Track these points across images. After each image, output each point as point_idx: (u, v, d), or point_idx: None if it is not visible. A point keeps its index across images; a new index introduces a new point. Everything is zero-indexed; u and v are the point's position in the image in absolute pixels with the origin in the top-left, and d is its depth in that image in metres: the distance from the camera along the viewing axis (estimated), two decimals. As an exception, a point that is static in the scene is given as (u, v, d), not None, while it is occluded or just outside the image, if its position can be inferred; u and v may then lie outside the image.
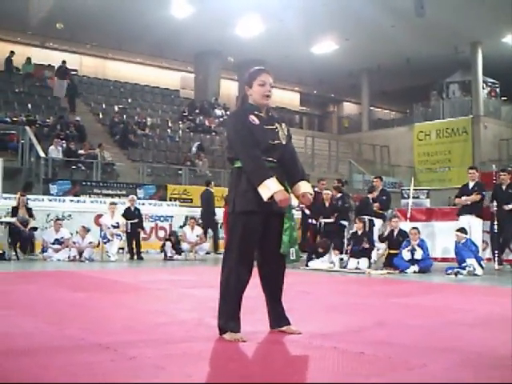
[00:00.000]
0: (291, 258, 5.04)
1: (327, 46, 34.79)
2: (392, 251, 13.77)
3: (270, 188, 4.62)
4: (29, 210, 16.40)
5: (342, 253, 14.59)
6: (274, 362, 4.17)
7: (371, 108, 43.18)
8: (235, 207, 4.87)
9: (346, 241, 15.18)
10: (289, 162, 5.12)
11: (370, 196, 16.05)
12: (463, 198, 13.90)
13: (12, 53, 30.52)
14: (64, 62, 30.52)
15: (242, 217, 4.84)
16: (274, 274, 5.14)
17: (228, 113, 34.74)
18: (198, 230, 17.79)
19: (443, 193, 23.42)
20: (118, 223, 16.67)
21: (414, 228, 13.63)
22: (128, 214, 17.11)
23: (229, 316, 4.86)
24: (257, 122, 4.90)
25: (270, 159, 4.85)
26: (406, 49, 33.35)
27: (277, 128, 5.02)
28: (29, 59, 30.59)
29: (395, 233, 14.10)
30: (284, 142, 5.01)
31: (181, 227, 18.51)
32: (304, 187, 5.14)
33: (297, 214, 18.36)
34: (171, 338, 5.00)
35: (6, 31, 32.99)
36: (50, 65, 32.21)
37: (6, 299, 7.51)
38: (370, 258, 14.02)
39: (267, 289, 5.18)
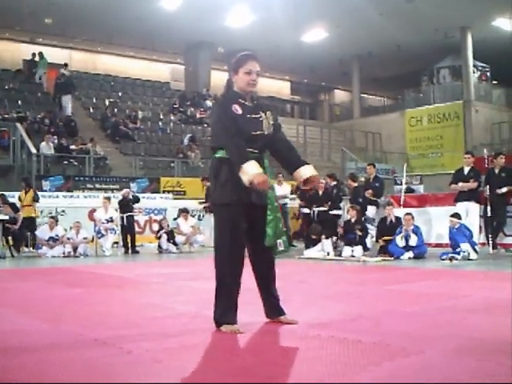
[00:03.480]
0: (280, 249, 4.99)
1: (317, 34, 34.68)
2: (386, 238, 13.77)
3: (248, 172, 4.60)
4: (12, 206, 16.31)
5: (335, 240, 14.59)
6: (270, 352, 4.18)
7: (362, 95, 43.13)
8: (215, 200, 4.95)
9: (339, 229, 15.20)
10: (284, 150, 5.21)
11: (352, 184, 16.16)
12: (460, 184, 13.81)
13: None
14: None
15: (223, 209, 4.85)
16: (265, 266, 5.08)
17: (218, 103, 34.72)
18: (192, 221, 17.78)
19: (436, 178, 23.44)
20: (111, 218, 16.66)
21: (407, 214, 13.63)
22: (123, 206, 17.04)
23: (224, 309, 4.85)
24: (240, 111, 4.87)
25: (251, 149, 4.82)
26: (396, 35, 33.26)
27: (261, 117, 4.99)
28: (41, 54, 30.38)
29: (389, 220, 14.12)
30: (267, 132, 4.97)
31: (175, 219, 18.48)
32: (308, 171, 5.12)
33: (293, 204, 18.44)
34: (168, 331, 5.00)
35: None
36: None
37: (1, 297, 7.50)
38: (364, 246, 14.02)
39: (259, 280, 5.13)
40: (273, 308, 5.14)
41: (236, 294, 4.88)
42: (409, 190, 18.40)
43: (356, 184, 16.14)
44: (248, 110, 4.93)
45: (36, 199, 16.73)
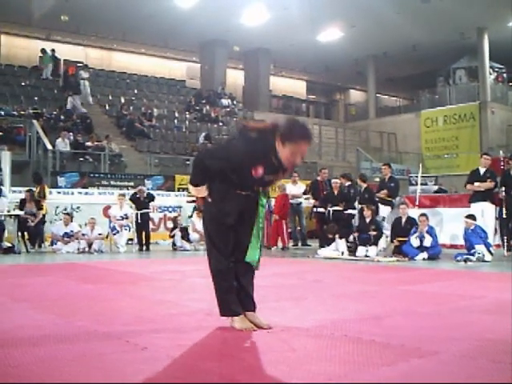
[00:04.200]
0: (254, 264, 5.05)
1: (333, 34, 34.63)
2: (400, 238, 13.74)
3: (196, 190, 4.91)
4: (37, 203, 16.42)
5: (348, 241, 14.54)
6: (282, 351, 4.18)
7: (378, 95, 43.03)
8: (211, 208, 4.94)
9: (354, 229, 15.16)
10: None
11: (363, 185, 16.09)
12: (476, 183, 13.78)
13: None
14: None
15: (215, 220, 4.91)
16: (247, 266, 5.06)
17: (235, 102, 34.74)
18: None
19: (451, 179, 23.38)
20: (126, 214, 16.71)
21: (422, 215, 13.57)
22: (137, 203, 17.03)
23: (226, 303, 4.95)
24: (260, 174, 4.66)
25: (244, 193, 4.84)
26: (412, 35, 33.19)
27: (272, 178, 4.89)
28: (43, 49, 30.39)
29: (403, 220, 14.09)
30: (267, 186, 5.03)
31: (189, 217, 18.49)
32: None
33: (308, 203, 18.44)
34: (182, 328, 5.03)
35: (11, 25, 32.95)
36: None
37: (17, 292, 7.54)
38: (378, 246, 14.00)
39: (239, 279, 5.05)
40: (241, 302, 5.02)
41: (233, 285, 4.96)
42: (440, 191, 18.36)
43: (366, 184, 16.06)
44: (270, 169, 4.72)
45: (42, 195, 16.73)
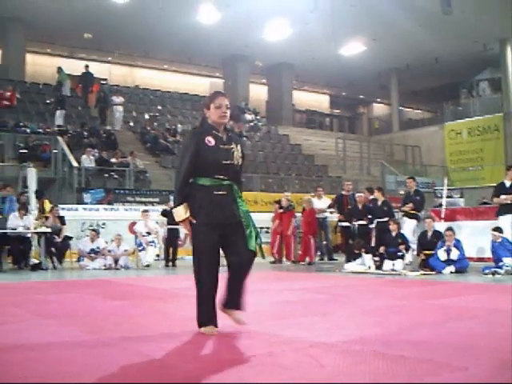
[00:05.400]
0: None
1: (355, 48, 34.68)
2: (427, 252, 13.67)
3: (176, 215, 5.49)
4: (60, 219, 16.52)
5: (375, 255, 14.47)
6: (312, 367, 4.15)
7: (401, 108, 42.99)
8: (195, 221, 5.42)
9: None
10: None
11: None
12: (502, 196, 13.67)
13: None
14: (87, 66, 30.44)
15: (200, 229, 5.41)
16: (237, 276, 5.55)
17: (258, 117, 34.84)
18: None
19: (477, 192, 23.21)
20: (151, 231, 16.73)
21: (448, 229, 13.50)
22: (169, 218, 16.85)
23: (203, 314, 5.43)
24: (212, 142, 5.45)
25: (222, 177, 5.45)
26: (435, 47, 33.17)
27: (233, 149, 5.55)
28: (59, 68, 30.58)
29: (429, 234, 14.02)
30: (236, 162, 5.56)
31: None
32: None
33: (332, 218, 18.43)
34: (209, 345, 5.02)
35: (35, 43, 33.26)
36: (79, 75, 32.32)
37: (45, 308, 7.57)
38: (404, 260, 13.93)
39: (230, 281, 5.56)
40: (232, 300, 5.55)
41: (213, 300, 5.45)
42: (484, 204, 18.28)
43: (384, 197, 15.92)
44: (221, 141, 5.50)
45: (41, 210, 16.86)
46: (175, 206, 5.51)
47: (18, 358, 4.50)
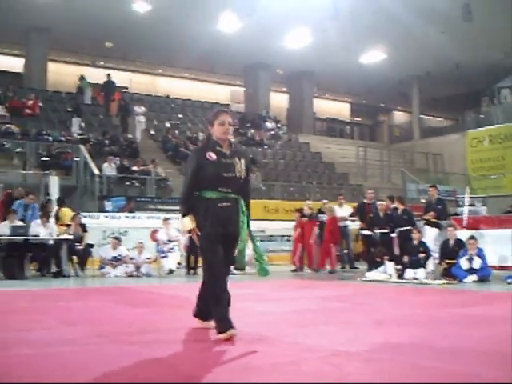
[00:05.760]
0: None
1: (375, 55, 34.70)
2: (449, 261, 13.60)
3: (183, 225, 5.90)
4: (82, 226, 16.60)
5: (397, 264, 14.41)
6: (334, 376, 4.14)
7: (422, 116, 42.86)
8: (201, 231, 5.74)
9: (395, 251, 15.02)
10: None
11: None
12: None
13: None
14: (109, 74, 30.45)
15: (206, 238, 5.74)
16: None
17: (279, 125, 34.89)
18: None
19: (499, 200, 23.09)
20: (172, 238, 16.75)
21: (471, 238, 13.44)
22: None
23: (222, 319, 5.69)
24: (214, 157, 5.78)
25: (226, 189, 5.77)
26: (455, 55, 33.04)
27: (235, 162, 5.85)
28: (82, 76, 30.75)
29: (451, 242, 13.96)
30: (238, 175, 5.85)
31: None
32: None
33: (354, 226, 18.39)
34: (232, 353, 5.01)
35: (56, 51, 33.44)
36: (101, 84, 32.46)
37: (67, 316, 7.61)
38: (426, 268, 13.87)
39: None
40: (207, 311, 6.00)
41: (226, 302, 5.83)
42: (508, 212, 18.23)
43: (404, 206, 15.86)
44: (223, 155, 5.83)
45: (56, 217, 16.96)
46: (182, 217, 5.86)
47: (42, 362, 4.53)
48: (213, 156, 5.78)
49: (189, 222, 5.76)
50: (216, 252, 5.72)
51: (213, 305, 5.80)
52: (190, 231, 5.85)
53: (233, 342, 5.40)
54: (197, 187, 5.79)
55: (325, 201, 19.43)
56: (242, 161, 5.92)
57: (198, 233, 5.74)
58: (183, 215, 5.82)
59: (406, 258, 14.13)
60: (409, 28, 28.87)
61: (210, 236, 5.70)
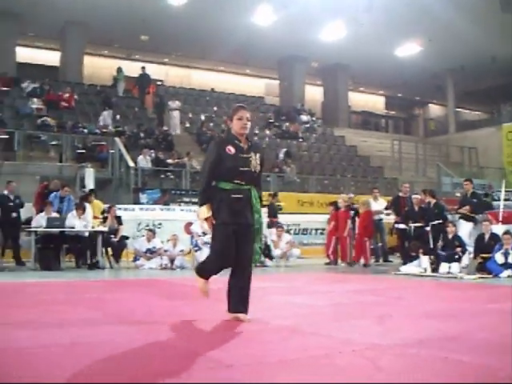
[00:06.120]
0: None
1: (410, 48, 34.51)
2: (484, 255, 13.51)
3: (200, 213, 6.21)
4: (118, 219, 16.70)
5: (431, 257, 14.34)
6: (369, 370, 4.14)
7: (457, 109, 42.51)
8: (215, 220, 6.12)
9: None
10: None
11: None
12: None
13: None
14: (144, 67, 30.41)
15: (220, 227, 6.11)
16: (243, 277, 6.28)
17: (314, 118, 34.81)
18: (287, 238, 17.82)
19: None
20: (205, 232, 16.79)
21: (506, 232, 13.31)
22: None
23: (204, 269, 6.52)
24: (233, 151, 6.14)
25: (239, 181, 6.11)
26: (491, 47, 32.69)
27: (251, 157, 6.23)
28: (119, 68, 30.86)
29: (487, 236, 13.85)
30: (253, 170, 6.22)
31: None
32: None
33: (388, 219, 18.31)
34: (266, 345, 5.04)
35: (92, 45, 33.65)
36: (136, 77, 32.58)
37: (103, 307, 7.66)
38: (460, 262, 13.78)
39: (235, 280, 6.30)
40: (237, 303, 6.24)
41: (211, 274, 6.46)
42: None
43: (435, 200, 15.77)
44: (240, 150, 6.20)
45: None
46: (199, 206, 6.23)
47: (81, 353, 4.58)
48: (232, 150, 6.14)
49: (206, 211, 6.10)
50: (226, 242, 6.08)
51: (201, 266, 6.69)
52: (206, 219, 6.15)
53: (268, 336, 5.42)
54: (214, 178, 6.14)
55: (351, 195, 19.36)
56: (258, 155, 6.32)
57: (213, 221, 6.10)
58: (201, 204, 6.18)
59: (439, 247, 14.06)
60: (444, 20, 28.63)
61: (223, 225, 6.06)
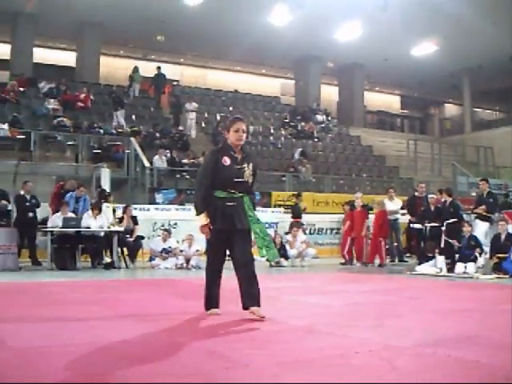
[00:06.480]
0: (266, 256, 7.08)
1: (426, 48, 34.39)
2: (500, 255, 13.46)
3: (199, 221, 6.50)
4: (133, 219, 16.74)
5: (448, 257, 14.29)
6: (385, 370, 4.15)
7: (473, 109, 42.35)
8: (213, 226, 6.47)
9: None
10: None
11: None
12: None
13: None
14: (159, 67, 30.44)
15: (214, 235, 6.53)
16: (246, 275, 6.59)
17: (329, 118, 34.77)
18: (302, 237, 17.80)
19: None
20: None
21: (521, 233, 13.29)
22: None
23: (207, 300, 6.88)
24: (228, 162, 6.46)
25: (233, 191, 6.44)
26: (507, 46, 32.49)
27: (245, 168, 6.52)
28: (136, 68, 30.85)
29: (503, 236, 13.80)
30: (246, 180, 6.53)
31: (286, 234, 18.46)
32: None
33: (404, 219, 18.28)
34: (283, 345, 5.05)
35: (108, 45, 33.76)
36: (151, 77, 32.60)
37: (119, 307, 7.71)
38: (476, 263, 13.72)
39: (240, 280, 6.62)
40: (247, 299, 6.50)
41: (216, 289, 6.90)
42: None
43: (451, 198, 15.70)
44: (235, 161, 6.51)
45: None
46: (198, 214, 6.51)
47: (96, 352, 4.61)
48: (227, 161, 6.46)
49: (204, 219, 6.44)
50: (217, 251, 6.71)
51: (205, 287, 6.92)
52: (203, 226, 6.47)
53: (284, 336, 5.43)
54: (211, 186, 6.45)
55: (358, 194, 19.26)
56: (251, 165, 6.60)
57: (211, 227, 6.45)
58: (201, 212, 6.47)
59: (456, 243, 14.02)
60: (460, 20, 28.54)
61: (217, 232, 6.47)
